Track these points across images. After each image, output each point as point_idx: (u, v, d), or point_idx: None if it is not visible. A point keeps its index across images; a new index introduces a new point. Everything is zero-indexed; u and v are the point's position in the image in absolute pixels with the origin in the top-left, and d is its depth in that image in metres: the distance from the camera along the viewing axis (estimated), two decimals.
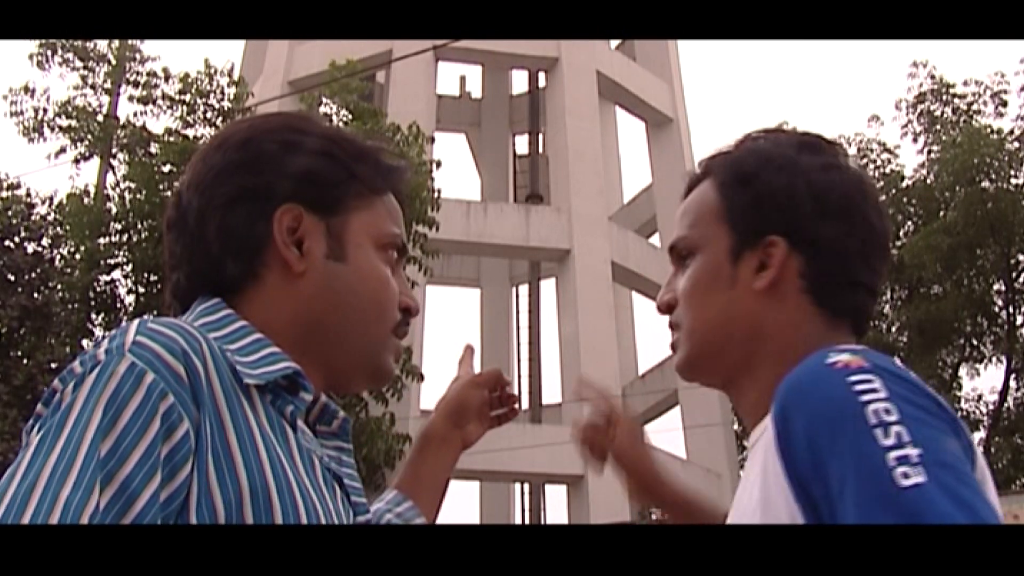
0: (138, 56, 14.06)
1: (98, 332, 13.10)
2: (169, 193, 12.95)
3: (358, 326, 1.10)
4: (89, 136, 13.51)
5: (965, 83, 15.95)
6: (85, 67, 13.96)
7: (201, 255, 1.08)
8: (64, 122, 13.54)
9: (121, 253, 13.11)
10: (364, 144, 1.16)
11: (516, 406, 1.44)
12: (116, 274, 13.22)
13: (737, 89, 76.83)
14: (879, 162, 16.34)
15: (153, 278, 12.85)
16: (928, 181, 15.84)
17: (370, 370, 1.13)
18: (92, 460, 0.84)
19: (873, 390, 0.95)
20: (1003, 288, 15.59)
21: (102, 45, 14.04)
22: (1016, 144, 15.07)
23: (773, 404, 1.02)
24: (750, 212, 1.19)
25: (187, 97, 13.59)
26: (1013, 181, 14.86)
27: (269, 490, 0.93)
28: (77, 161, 13.67)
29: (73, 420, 0.86)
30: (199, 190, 1.09)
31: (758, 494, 1.02)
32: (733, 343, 1.17)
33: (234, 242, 1.07)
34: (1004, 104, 15.74)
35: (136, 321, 0.96)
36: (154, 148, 13.28)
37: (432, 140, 15.43)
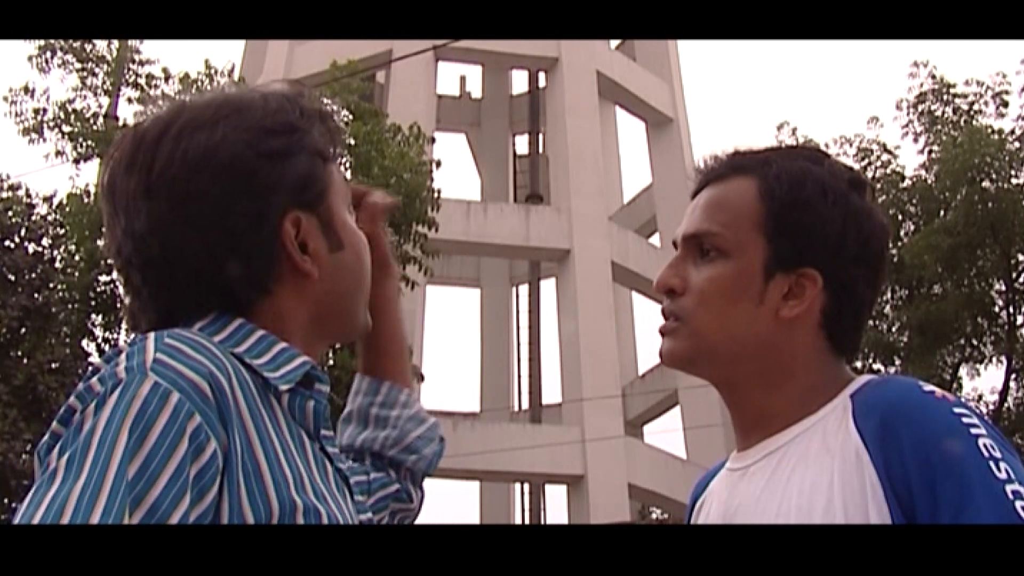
0: (137, 57, 14.06)
1: (98, 332, 13.10)
2: None
3: (357, 295, 1.13)
4: (88, 140, 13.51)
5: (966, 83, 15.92)
6: (84, 68, 13.95)
7: (209, 261, 1.02)
8: (65, 128, 13.54)
9: None
10: (306, 108, 1.11)
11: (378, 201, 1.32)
12: (116, 274, 13.21)
13: (737, 89, 76.87)
14: (879, 162, 16.31)
15: None
16: (928, 181, 15.81)
17: (363, 328, 1.16)
18: (121, 483, 0.82)
19: (976, 425, 1.04)
20: (1003, 288, 15.57)
21: (101, 46, 14.04)
22: (1017, 144, 15.04)
23: (858, 420, 1.08)
24: (797, 238, 1.18)
25: (187, 97, 13.58)
26: (1014, 181, 14.83)
27: (296, 510, 0.93)
28: (77, 161, 13.67)
29: (98, 442, 0.84)
30: (197, 227, 1.01)
31: (837, 501, 1.05)
32: (744, 357, 1.18)
33: (250, 270, 1.03)
34: (1005, 104, 15.70)
35: (151, 337, 0.93)
36: None
37: (432, 140, 15.42)
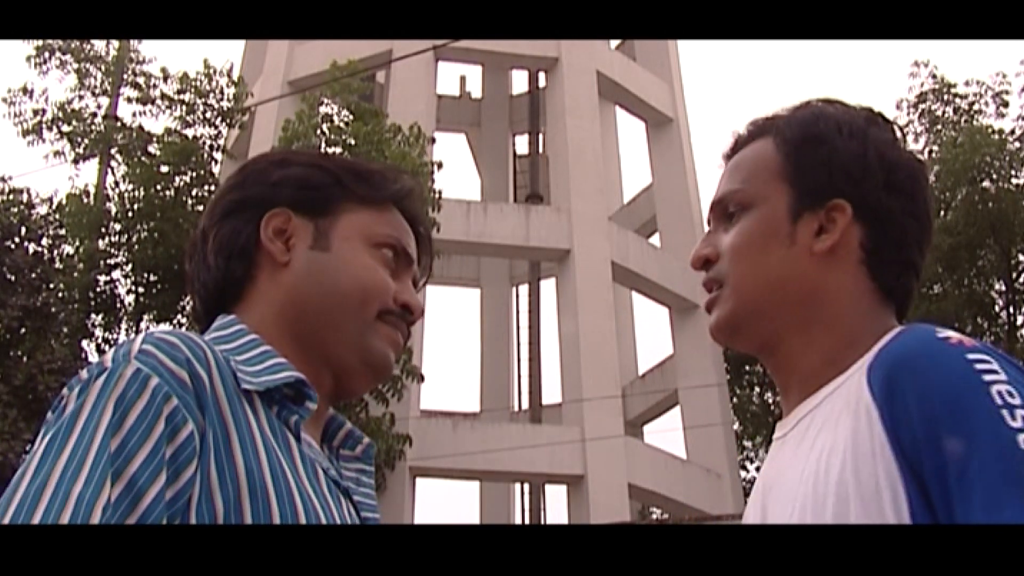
0: (134, 56, 14.08)
1: (98, 332, 13.12)
2: (168, 193, 13.01)
3: (342, 307, 1.12)
4: (87, 140, 13.52)
5: (966, 83, 15.96)
6: (81, 68, 13.96)
7: (205, 268, 1.15)
8: (64, 128, 13.56)
9: (121, 253, 13.14)
10: (357, 163, 1.22)
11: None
12: (116, 274, 13.25)
13: (737, 89, 76.87)
14: None
15: (153, 278, 12.86)
16: (929, 181, 15.85)
17: (363, 354, 1.13)
18: (103, 456, 0.87)
19: (993, 371, 0.95)
20: (1003, 288, 15.59)
21: (99, 47, 14.05)
22: (1017, 144, 15.08)
23: (870, 375, 1.01)
24: (818, 173, 1.15)
25: (186, 97, 13.61)
26: (1014, 181, 14.88)
27: (267, 491, 0.96)
28: (76, 162, 13.69)
29: (84, 419, 0.90)
30: (205, 216, 1.18)
31: (849, 465, 0.99)
32: (786, 304, 1.13)
33: (227, 248, 1.13)
34: (1005, 104, 15.76)
35: (143, 332, 1.00)
36: (153, 148, 13.29)
37: (433, 141, 15.44)
